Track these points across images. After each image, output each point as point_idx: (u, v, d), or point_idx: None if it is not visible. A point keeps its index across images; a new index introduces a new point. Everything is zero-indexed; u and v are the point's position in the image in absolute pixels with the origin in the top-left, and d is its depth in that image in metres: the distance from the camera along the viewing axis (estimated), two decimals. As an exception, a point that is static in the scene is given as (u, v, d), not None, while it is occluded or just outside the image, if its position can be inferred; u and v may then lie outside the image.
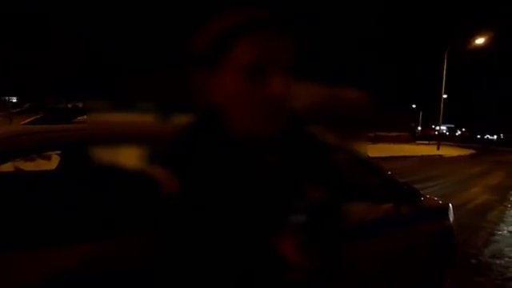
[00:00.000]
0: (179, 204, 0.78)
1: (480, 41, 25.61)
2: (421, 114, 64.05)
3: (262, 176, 0.75)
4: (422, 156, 20.61)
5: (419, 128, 63.89)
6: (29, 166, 2.37)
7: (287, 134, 0.77)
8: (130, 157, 1.56)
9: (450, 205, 3.23)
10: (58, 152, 2.32)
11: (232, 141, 0.76)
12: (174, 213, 0.79)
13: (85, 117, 1.68)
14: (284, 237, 0.67)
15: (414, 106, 65.29)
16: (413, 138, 39.80)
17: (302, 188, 0.70)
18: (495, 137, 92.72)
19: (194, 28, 0.77)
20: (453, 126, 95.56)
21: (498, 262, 4.13)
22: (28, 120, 1.65)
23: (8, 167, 1.88)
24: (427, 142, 37.32)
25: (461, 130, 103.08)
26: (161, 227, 0.83)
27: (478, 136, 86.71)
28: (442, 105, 28.10)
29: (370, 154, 2.64)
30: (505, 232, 5.44)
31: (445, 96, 28.44)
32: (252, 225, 0.73)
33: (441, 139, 29.03)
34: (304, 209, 0.67)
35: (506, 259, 4.21)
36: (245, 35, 0.70)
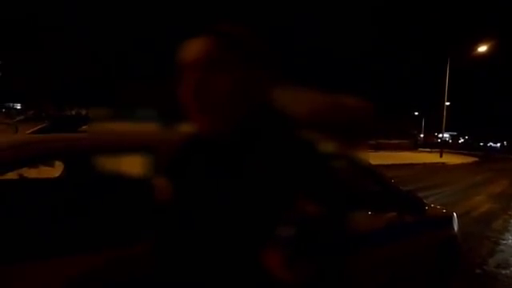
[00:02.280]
0: (170, 213, 0.81)
1: (483, 48, 25.62)
2: (423, 121, 63.89)
3: (240, 180, 0.75)
4: (425, 164, 20.51)
5: (421, 135, 63.71)
6: (32, 173, 2.37)
7: (258, 133, 0.77)
8: (133, 165, 1.57)
9: (455, 214, 3.20)
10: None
11: (202, 143, 0.80)
12: (166, 221, 0.82)
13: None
14: (271, 249, 0.65)
15: (416, 113, 65.18)
16: (415, 146, 39.63)
17: (294, 199, 0.67)
18: (498, 144, 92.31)
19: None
20: (455, 133, 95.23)
21: (503, 271, 4.08)
22: (34, 129, 1.66)
23: (12, 174, 1.88)
24: (430, 150, 37.17)
25: (463, 137, 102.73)
26: (155, 234, 0.85)
27: (481, 143, 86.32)
28: (444, 112, 28.04)
29: (372, 162, 2.62)
30: (510, 241, 5.38)
31: (447, 103, 28.39)
32: (235, 235, 0.73)
33: (443, 147, 28.92)
34: (294, 221, 0.65)
35: (512, 269, 4.16)
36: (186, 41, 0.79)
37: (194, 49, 0.77)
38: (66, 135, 1.49)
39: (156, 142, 1.44)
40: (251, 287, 0.72)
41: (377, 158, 12.73)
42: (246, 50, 0.78)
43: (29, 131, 1.64)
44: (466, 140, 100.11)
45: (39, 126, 1.68)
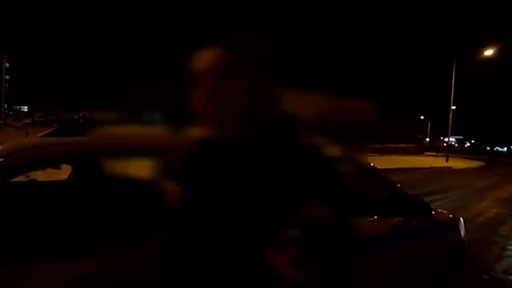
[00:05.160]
0: (180, 216, 0.83)
1: (489, 52, 25.47)
2: (429, 125, 63.54)
3: (248, 183, 0.76)
4: (431, 168, 20.38)
5: (427, 139, 63.36)
6: (39, 175, 2.39)
7: (266, 137, 0.80)
8: (141, 169, 1.58)
9: (461, 218, 3.18)
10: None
11: (212, 147, 0.83)
12: (176, 223, 0.84)
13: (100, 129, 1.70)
14: (279, 250, 0.66)
15: (422, 117, 64.87)
16: (421, 150, 39.41)
17: (301, 201, 0.68)
18: (505, 149, 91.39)
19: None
20: (461, 137, 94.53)
21: (510, 277, 4.03)
22: (44, 132, 1.68)
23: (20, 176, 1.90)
24: (435, 154, 36.92)
25: (470, 141, 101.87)
26: (165, 237, 0.87)
27: (488, 148, 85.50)
28: (450, 116, 27.88)
29: (378, 166, 2.61)
30: (517, 247, 5.32)
31: (453, 107, 28.22)
32: (244, 236, 0.74)
33: (449, 151, 28.72)
34: (302, 223, 0.66)
35: (519, 275, 4.12)
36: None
37: (206, 59, 0.80)
38: (76, 138, 1.52)
39: (165, 145, 1.45)
40: (260, 287, 0.73)
41: (383, 162, 12.66)
42: (255, 58, 0.81)
43: (40, 134, 1.66)
44: (472, 144, 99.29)
45: (50, 130, 1.71)
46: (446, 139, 32.47)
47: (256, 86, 0.80)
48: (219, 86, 0.77)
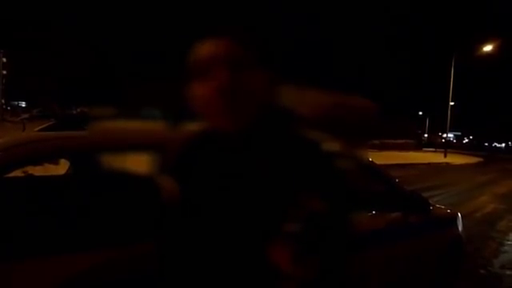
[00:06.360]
0: (178, 211, 0.82)
1: (488, 48, 25.45)
2: (427, 121, 63.70)
3: (247, 176, 0.76)
4: (429, 163, 20.43)
5: (426, 135, 63.55)
6: (37, 171, 2.39)
7: (265, 131, 0.79)
8: (139, 163, 1.57)
9: (459, 214, 3.19)
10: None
11: (210, 141, 0.81)
12: (173, 219, 0.83)
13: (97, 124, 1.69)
14: (278, 245, 0.66)
15: (420, 112, 65.02)
16: (419, 146, 39.51)
17: (299, 196, 0.69)
18: (503, 145, 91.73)
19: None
20: (460, 133, 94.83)
21: (508, 272, 4.06)
22: (41, 126, 1.67)
23: (17, 171, 1.90)
24: (434, 150, 37.03)
25: (468, 137, 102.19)
26: (161, 233, 0.86)
27: (486, 144, 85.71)
28: (449, 112, 27.91)
29: (377, 162, 2.62)
30: (514, 242, 5.35)
31: (452, 103, 28.24)
32: (243, 231, 0.74)
33: (447, 147, 28.78)
34: (301, 218, 0.66)
35: (516, 270, 4.14)
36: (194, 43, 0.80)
37: (214, 49, 0.76)
38: (73, 133, 1.51)
39: (162, 140, 1.44)
40: (259, 283, 0.73)
41: (381, 158, 12.67)
42: (261, 50, 0.80)
43: (37, 129, 1.65)
44: (470, 140, 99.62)
45: (47, 124, 1.70)
46: (445, 135, 32.55)
47: (263, 77, 0.79)
48: (235, 75, 0.74)
